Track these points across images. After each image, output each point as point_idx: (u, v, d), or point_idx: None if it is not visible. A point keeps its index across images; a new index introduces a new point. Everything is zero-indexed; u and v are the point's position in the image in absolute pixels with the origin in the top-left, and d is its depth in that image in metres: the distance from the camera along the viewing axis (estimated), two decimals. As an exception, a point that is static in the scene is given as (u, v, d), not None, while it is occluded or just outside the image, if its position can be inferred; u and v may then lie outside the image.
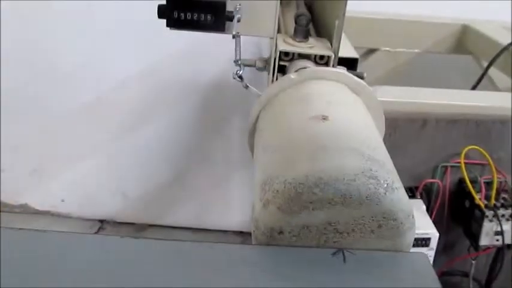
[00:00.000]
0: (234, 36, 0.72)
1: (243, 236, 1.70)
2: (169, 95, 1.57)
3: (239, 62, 0.71)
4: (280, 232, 0.46)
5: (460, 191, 0.93)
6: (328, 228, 0.46)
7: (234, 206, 1.70)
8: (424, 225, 0.83)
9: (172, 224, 1.71)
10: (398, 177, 0.49)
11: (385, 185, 0.46)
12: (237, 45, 0.73)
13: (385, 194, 0.45)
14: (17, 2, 1.44)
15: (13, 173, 1.71)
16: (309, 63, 0.75)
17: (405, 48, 1.36)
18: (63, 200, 1.73)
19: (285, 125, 0.58)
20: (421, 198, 0.91)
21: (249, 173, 1.65)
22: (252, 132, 0.70)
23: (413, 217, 0.47)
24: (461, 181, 0.92)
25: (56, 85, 1.56)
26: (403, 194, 0.48)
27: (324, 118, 0.54)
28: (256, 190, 0.51)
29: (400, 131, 0.89)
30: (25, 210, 1.75)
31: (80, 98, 1.58)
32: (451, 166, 0.92)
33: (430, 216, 0.91)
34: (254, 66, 0.78)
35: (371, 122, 0.61)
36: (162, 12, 0.70)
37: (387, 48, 1.35)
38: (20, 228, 0.41)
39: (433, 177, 0.92)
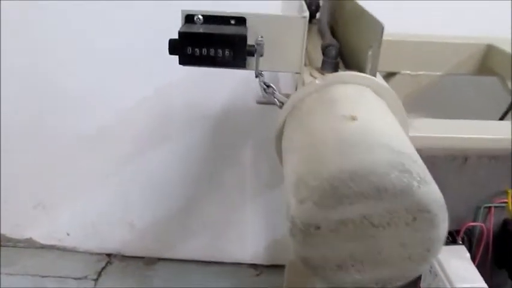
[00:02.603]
0: (257, 75, 0.61)
1: (258, 268, 1.58)
2: (178, 121, 1.48)
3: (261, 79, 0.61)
4: (317, 227, 0.46)
5: (505, 234, 0.82)
6: (364, 222, 0.46)
7: (248, 237, 1.59)
8: (472, 279, 0.72)
9: (183, 257, 1.60)
10: (429, 173, 0.48)
11: (418, 178, 0.45)
12: (260, 83, 0.62)
13: (419, 186, 0.45)
14: (18, 23, 1.35)
15: (16, 206, 1.61)
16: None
17: (426, 71, 1.25)
18: (68, 234, 1.63)
19: (314, 126, 0.56)
20: (463, 243, 0.80)
21: (262, 202, 1.55)
22: (279, 138, 0.66)
23: (446, 209, 0.47)
24: (507, 222, 0.81)
25: (60, 113, 1.47)
26: (435, 187, 0.47)
27: (353, 118, 0.52)
28: (289, 190, 0.50)
29: (438, 169, 0.78)
30: (30, 244, 1.65)
31: (84, 126, 1.49)
32: (495, 206, 0.81)
33: (473, 262, 0.80)
34: (274, 103, 0.67)
35: (397, 123, 0.59)
36: (173, 48, 0.60)
37: (407, 72, 1.25)
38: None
39: (475, 219, 0.81)
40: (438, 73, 1.27)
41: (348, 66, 0.74)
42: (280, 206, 1.53)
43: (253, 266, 1.59)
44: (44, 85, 1.43)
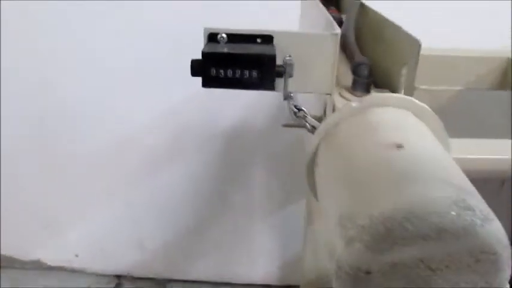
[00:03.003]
0: (285, 97, 0.56)
1: (271, 289, 1.53)
2: (188, 139, 1.42)
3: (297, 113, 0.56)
4: (368, 272, 0.40)
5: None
6: (420, 265, 0.41)
7: (259, 257, 1.53)
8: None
9: (193, 278, 1.54)
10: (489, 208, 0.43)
11: (482, 216, 0.40)
12: (290, 105, 0.56)
13: (482, 225, 0.40)
14: (22, 36, 1.31)
15: (23, 226, 1.55)
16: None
17: (445, 86, 1.20)
18: (77, 255, 1.57)
19: (356, 155, 0.51)
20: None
21: (273, 221, 1.49)
22: (310, 166, 0.60)
23: (510, 249, 0.42)
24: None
25: (66, 129, 1.41)
26: (498, 224, 0.42)
27: (399, 146, 0.47)
28: (332, 227, 0.45)
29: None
30: (37, 266, 1.59)
31: (92, 143, 1.43)
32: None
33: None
34: (304, 127, 0.62)
35: (443, 149, 0.53)
36: (196, 69, 0.54)
37: (425, 87, 1.19)
38: None
39: (513, 246, 0.75)
40: (457, 88, 1.21)
41: (377, 86, 0.68)
42: (291, 225, 1.48)
43: (267, 286, 1.53)
44: (50, 98, 1.38)
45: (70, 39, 1.31)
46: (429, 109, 0.57)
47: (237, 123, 1.40)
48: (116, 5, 1.25)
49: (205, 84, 0.55)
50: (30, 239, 1.57)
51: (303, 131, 0.65)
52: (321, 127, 0.55)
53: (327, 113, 0.60)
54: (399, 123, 0.54)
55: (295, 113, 0.57)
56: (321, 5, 0.75)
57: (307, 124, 0.57)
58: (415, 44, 0.58)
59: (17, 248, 1.58)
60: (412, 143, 0.49)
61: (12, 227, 1.54)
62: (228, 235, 1.52)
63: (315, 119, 0.63)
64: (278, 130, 1.39)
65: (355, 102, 0.55)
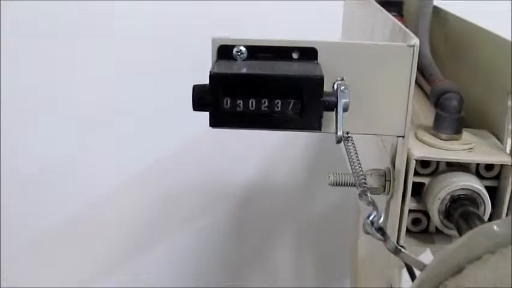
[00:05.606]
0: (339, 141, 0.44)
1: None
2: (188, 203, 1.34)
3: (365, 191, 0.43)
4: None
5: None
6: None
7: None
8: None
9: None
10: None
11: None
12: (350, 154, 0.45)
13: None
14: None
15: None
16: (468, 178, 0.48)
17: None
18: None
19: None
20: None
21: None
22: None
23: None
24: None
25: (43, 193, 1.33)
26: None
27: None
28: None
29: None
30: None
31: (71, 209, 1.35)
32: None
33: None
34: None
35: None
36: (200, 100, 0.42)
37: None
38: None
39: None
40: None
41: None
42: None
43: None
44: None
45: (45, 87, 1.24)
46: None
47: (253, 178, 1.32)
48: (92, 41, 1.20)
49: (215, 122, 0.42)
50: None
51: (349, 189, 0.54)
52: (428, 271, 0.33)
53: (396, 164, 0.48)
54: None
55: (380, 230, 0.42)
56: (378, 6, 0.65)
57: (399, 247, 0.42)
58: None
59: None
60: None
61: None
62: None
63: (376, 176, 0.51)
64: (311, 188, 1.31)
65: (496, 224, 0.32)
